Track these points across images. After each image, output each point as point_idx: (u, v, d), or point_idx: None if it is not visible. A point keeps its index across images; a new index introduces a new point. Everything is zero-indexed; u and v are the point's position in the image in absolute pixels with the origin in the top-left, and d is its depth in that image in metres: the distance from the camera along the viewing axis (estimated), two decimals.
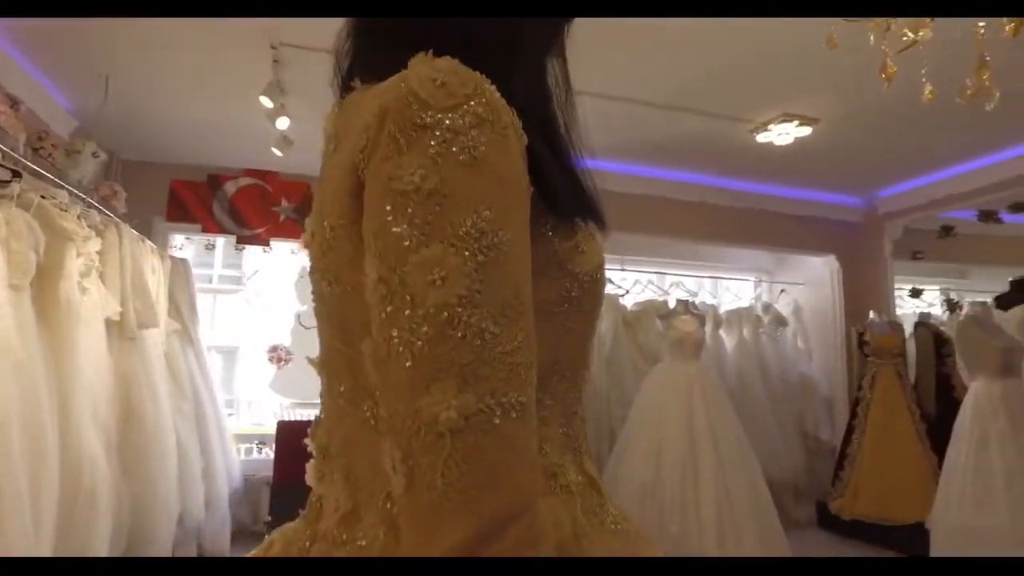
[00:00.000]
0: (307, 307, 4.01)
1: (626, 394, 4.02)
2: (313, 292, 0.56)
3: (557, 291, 0.52)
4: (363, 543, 0.49)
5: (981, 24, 1.70)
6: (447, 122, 0.42)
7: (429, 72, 0.44)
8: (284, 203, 4.04)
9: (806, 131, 3.49)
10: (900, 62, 1.79)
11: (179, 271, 3.39)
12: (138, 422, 2.51)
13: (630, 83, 3.08)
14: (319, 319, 0.56)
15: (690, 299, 4.30)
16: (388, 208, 0.42)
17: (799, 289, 5.00)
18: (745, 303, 4.94)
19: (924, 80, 1.72)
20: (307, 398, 3.87)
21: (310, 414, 3.74)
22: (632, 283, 4.63)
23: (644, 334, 4.37)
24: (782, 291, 5.07)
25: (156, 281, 3.03)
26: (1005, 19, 1.62)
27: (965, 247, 5.02)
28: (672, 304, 4.36)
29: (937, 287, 5.74)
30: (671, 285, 4.81)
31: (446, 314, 0.39)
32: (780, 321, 4.83)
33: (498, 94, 0.45)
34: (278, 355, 3.82)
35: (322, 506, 0.56)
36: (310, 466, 0.60)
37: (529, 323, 0.42)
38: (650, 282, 4.73)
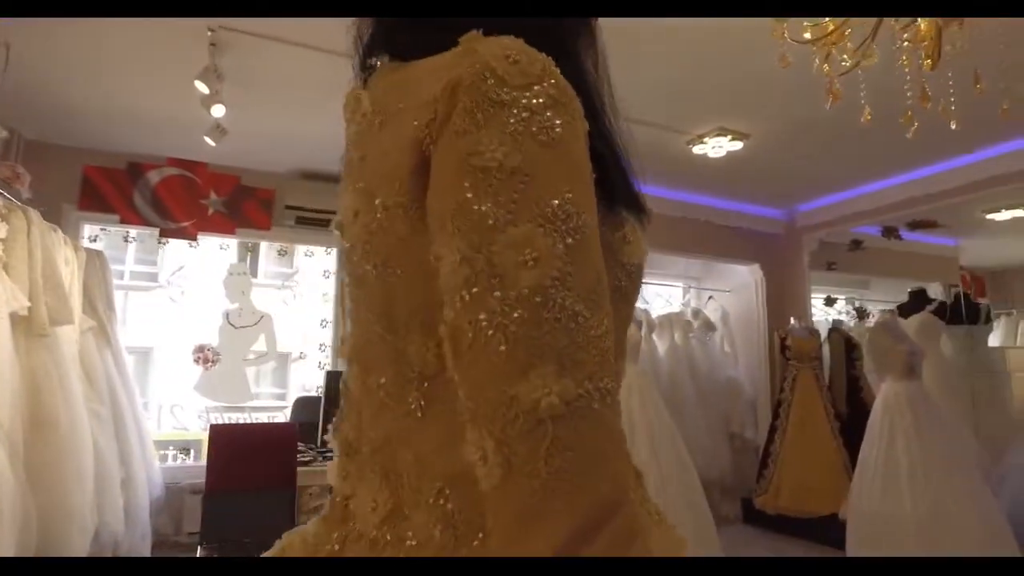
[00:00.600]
0: (236, 305, 3.81)
1: None
2: (349, 277, 0.52)
3: (610, 281, 0.52)
4: (413, 543, 0.46)
5: (904, 59, 1.84)
6: (523, 100, 0.41)
7: (500, 49, 0.43)
8: (213, 196, 3.82)
9: (738, 145, 3.67)
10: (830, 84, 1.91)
11: (95, 264, 3.13)
12: (49, 428, 2.30)
13: None
14: (356, 305, 0.52)
15: None
16: (467, 184, 0.40)
17: (726, 296, 5.25)
18: (676, 308, 5.13)
19: (863, 103, 1.84)
20: (236, 401, 3.67)
21: (240, 417, 3.55)
22: None
23: None
24: (710, 297, 5.30)
25: (69, 274, 2.79)
26: (925, 52, 1.75)
27: (870, 260, 5.43)
28: None
29: (844, 296, 6.18)
30: None
31: (540, 296, 0.38)
32: (709, 326, 5.04)
33: (563, 76, 0.45)
34: (205, 356, 3.60)
35: (349, 506, 0.53)
36: (332, 465, 0.57)
37: (610, 309, 0.42)
38: None
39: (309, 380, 5.10)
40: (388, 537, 0.48)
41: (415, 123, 0.44)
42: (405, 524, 0.48)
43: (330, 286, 4.08)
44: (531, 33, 0.51)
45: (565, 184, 0.40)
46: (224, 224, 3.79)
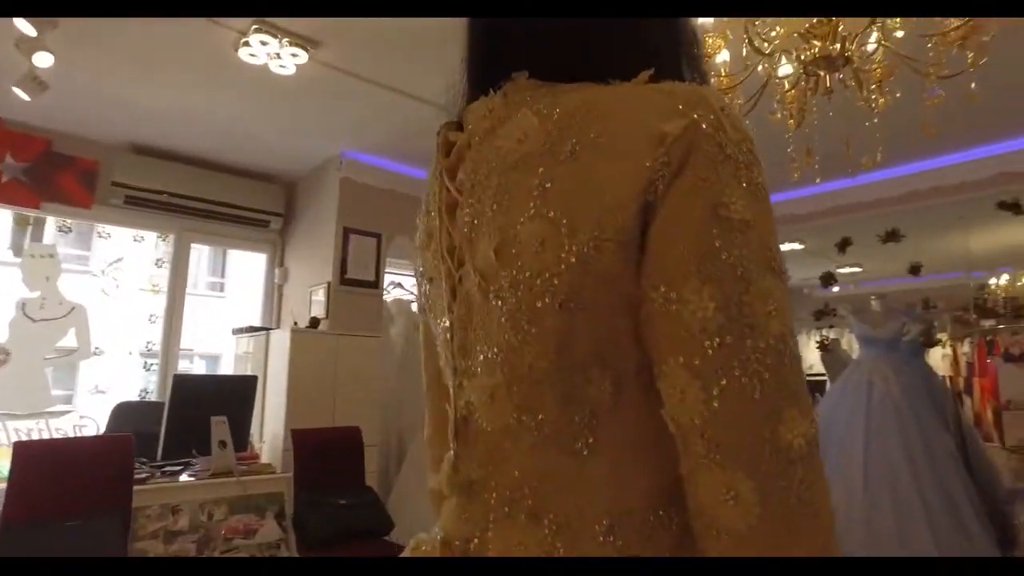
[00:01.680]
0: (37, 294, 3.20)
1: (417, 399, 4.03)
2: (507, 307, 0.48)
3: None
4: None
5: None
6: (740, 156, 0.43)
7: (718, 100, 0.45)
8: (9, 159, 3.16)
9: None
10: None
11: None
12: None
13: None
14: (520, 338, 0.48)
15: None
16: (715, 232, 0.41)
17: None
18: None
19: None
20: (33, 407, 3.06)
21: (33, 427, 2.97)
22: None
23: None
24: None
25: None
26: (790, 112, 2.00)
27: None
28: None
29: None
30: None
31: (782, 344, 0.41)
32: None
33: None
34: None
35: (470, 550, 0.50)
36: (448, 507, 0.53)
37: None
38: None
39: (116, 382, 4.44)
40: None
41: (646, 164, 0.43)
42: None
43: (163, 277, 3.60)
44: (679, 52, 0.54)
45: (775, 238, 0.44)
46: (24, 196, 3.16)
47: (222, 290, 9.32)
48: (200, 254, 7.92)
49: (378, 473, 3.34)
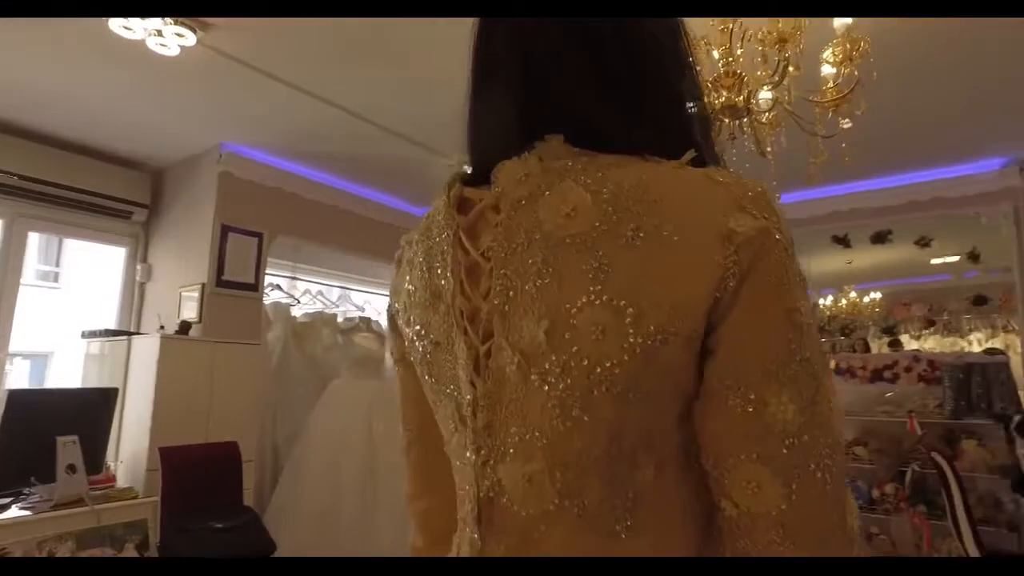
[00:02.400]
0: None
1: (293, 408, 3.82)
2: (555, 392, 0.47)
3: None
4: None
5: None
6: (795, 263, 0.46)
7: (774, 196, 0.47)
8: None
9: None
10: None
11: None
12: None
13: (366, 100, 3.04)
14: (569, 425, 0.47)
15: (358, 314, 4.35)
16: (791, 337, 0.44)
17: None
18: None
19: None
20: None
21: None
22: (302, 292, 4.43)
23: (313, 346, 4.23)
24: None
25: None
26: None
27: None
28: (341, 318, 4.36)
29: None
30: (339, 298, 4.78)
31: (840, 437, 0.46)
32: None
33: None
34: None
35: None
36: None
37: None
38: (320, 293, 4.61)
39: None
40: None
41: (717, 260, 0.44)
42: None
43: None
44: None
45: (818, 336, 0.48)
46: None
47: (56, 280, 8.18)
48: (29, 237, 6.87)
49: (254, 490, 3.11)
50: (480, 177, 0.55)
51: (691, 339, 0.45)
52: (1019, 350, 5.85)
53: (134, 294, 3.74)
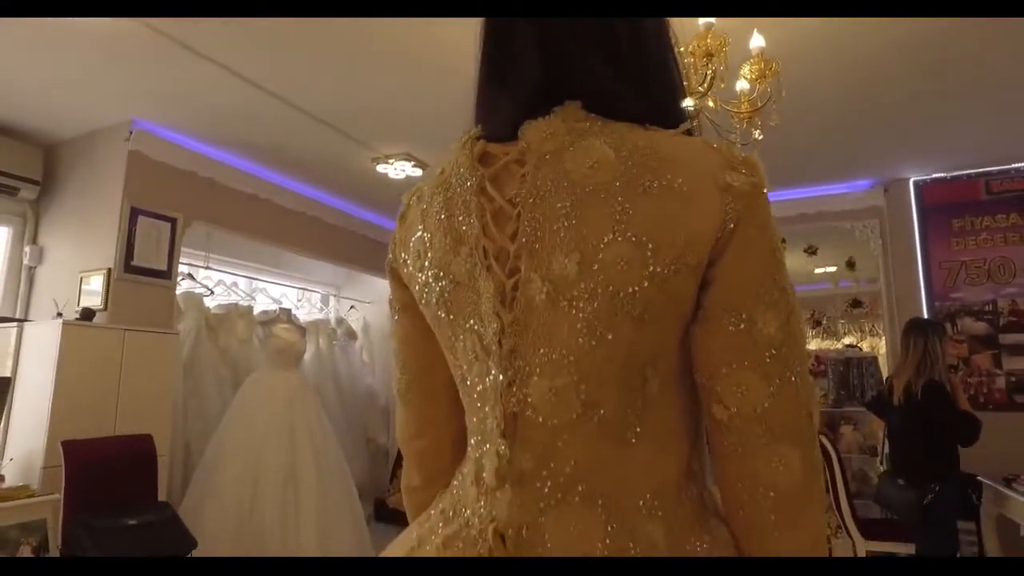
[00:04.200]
0: None
1: (205, 403, 3.64)
2: (583, 315, 0.54)
3: None
4: (636, 550, 0.53)
5: None
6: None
7: (756, 160, 0.58)
8: None
9: (418, 172, 3.98)
10: None
11: None
12: None
13: (294, 84, 2.96)
14: (594, 343, 0.54)
15: (278, 306, 4.21)
16: (774, 268, 0.55)
17: (367, 307, 5.48)
18: (320, 315, 5.12)
19: None
20: None
21: None
22: (216, 282, 4.22)
23: (226, 338, 4.05)
24: (351, 307, 5.45)
25: None
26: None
27: None
28: (257, 309, 4.21)
29: None
30: (255, 290, 4.59)
31: (805, 352, 0.56)
32: (351, 335, 5.19)
33: None
34: None
35: (523, 535, 0.55)
36: (496, 497, 0.56)
37: None
38: (235, 284, 4.42)
39: None
40: (605, 553, 0.53)
41: (718, 207, 0.54)
42: (622, 536, 0.54)
43: None
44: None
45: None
46: None
47: None
48: None
49: (167, 486, 2.94)
50: (497, 138, 0.62)
51: (696, 269, 0.54)
52: (882, 351, 6.63)
53: (20, 278, 3.41)
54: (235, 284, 4.42)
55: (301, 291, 5.06)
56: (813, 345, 4.71)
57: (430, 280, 0.63)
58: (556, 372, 0.55)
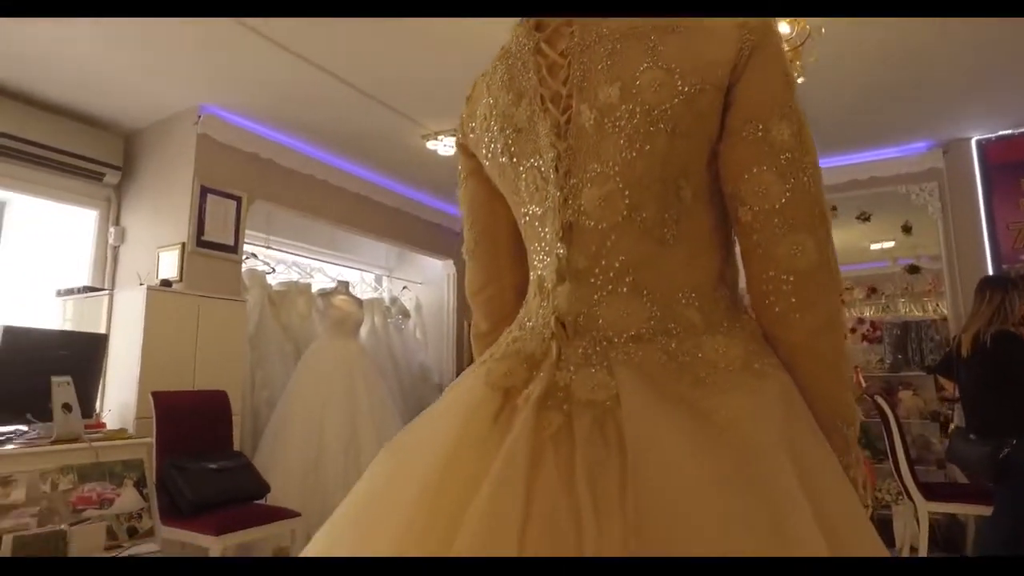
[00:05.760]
0: None
1: (270, 373, 3.86)
2: (625, 132, 0.64)
3: None
4: (677, 329, 0.64)
5: None
6: None
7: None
8: None
9: None
10: None
11: None
12: None
13: (346, 62, 3.11)
14: (634, 154, 0.64)
15: (339, 279, 4.41)
16: (786, 88, 0.65)
17: (419, 287, 5.66)
18: (375, 294, 5.31)
19: None
20: None
21: None
22: (276, 261, 4.45)
23: (288, 314, 4.27)
24: (404, 287, 5.63)
25: None
26: None
27: None
28: (316, 287, 4.41)
29: None
30: (313, 270, 4.81)
31: (816, 159, 0.65)
32: (404, 313, 5.37)
33: None
34: None
35: (580, 320, 0.65)
36: (558, 291, 0.67)
37: None
38: (295, 263, 4.64)
39: None
40: (652, 332, 0.63)
41: (735, 38, 0.63)
42: (666, 318, 0.64)
43: None
44: None
45: None
46: None
47: None
48: None
49: (239, 443, 3.15)
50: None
51: (719, 90, 0.64)
52: (944, 315, 6.34)
53: (106, 256, 3.70)
54: (295, 264, 4.65)
55: (356, 271, 5.26)
56: (868, 312, 4.60)
57: (495, 133, 0.75)
58: (604, 182, 0.66)
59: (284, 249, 4.55)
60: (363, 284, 5.32)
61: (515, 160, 0.72)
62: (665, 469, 0.52)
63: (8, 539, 1.92)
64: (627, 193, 0.65)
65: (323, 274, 4.84)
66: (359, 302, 4.08)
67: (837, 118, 3.63)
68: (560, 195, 0.67)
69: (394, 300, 5.37)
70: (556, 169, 0.68)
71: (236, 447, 3.05)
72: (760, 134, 0.63)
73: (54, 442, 2.18)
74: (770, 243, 0.63)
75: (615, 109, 0.65)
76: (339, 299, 3.91)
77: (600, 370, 0.61)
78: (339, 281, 4.18)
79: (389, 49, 2.99)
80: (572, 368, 0.63)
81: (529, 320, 0.71)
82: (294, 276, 4.54)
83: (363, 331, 4.83)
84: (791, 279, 0.62)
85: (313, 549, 0.64)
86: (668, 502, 0.51)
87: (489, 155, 0.77)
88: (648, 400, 0.57)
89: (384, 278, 5.67)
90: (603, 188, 0.65)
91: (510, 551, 0.50)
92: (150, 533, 2.27)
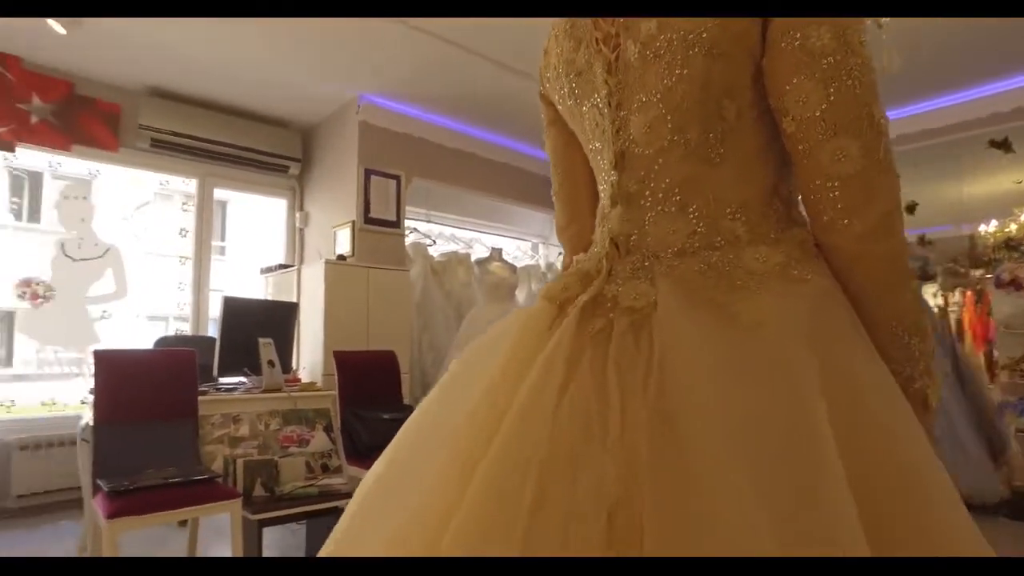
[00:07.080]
0: (74, 234, 3.28)
1: (435, 338, 4.19)
2: (664, 60, 0.65)
3: None
4: (721, 241, 0.64)
5: None
6: None
7: None
8: (36, 100, 3.21)
9: None
10: None
11: None
12: None
13: (477, 33, 3.21)
14: (675, 79, 0.65)
15: (493, 247, 4.63)
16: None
17: None
18: (531, 261, 5.48)
19: None
20: (70, 343, 3.17)
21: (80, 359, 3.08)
22: (436, 234, 4.78)
23: (450, 281, 4.58)
24: (560, 254, 5.72)
25: None
26: None
27: None
28: (474, 257, 4.67)
29: None
30: (472, 240, 5.09)
31: (869, 61, 0.61)
32: None
33: None
34: (33, 291, 3.05)
35: (632, 240, 0.68)
36: (612, 214, 0.70)
37: None
38: (453, 235, 4.95)
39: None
40: (696, 246, 0.64)
41: None
42: (710, 234, 0.65)
43: (189, 221, 3.69)
44: None
45: None
46: (55, 137, 3.21)
47: (223, 254, 9.34)
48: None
49: (410, 399, 3.50)
50: None
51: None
52: None
53: (295, 238, 4.26)
54: (453, 236, 4.96)
55: (512, 240, 5.46)
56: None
57: (563, 78, 0.78)
58: (648, 109, 0.68)
59: (443, 222, 4.88)
60: (519, 252, 5.52)
61: (579, 101, 0.76)
62: (686, 360, 0.55)
63: (240, 463, 2.36)
64: (670, 118, 0.66)
65: (480, 244, 5.11)
66: (513, 268, 4.25)
67: (971, 48, 3.01)
68: (612, 127, 0.70)
69: (550, 266, 5.49)
70: (609, 104, 0.70)
71: (406, 402, 3.39)
72: (798, 43, 0.60)
73: (263, 391, 2.61)
74: (814, 151, 0.61)
75: (655, 40, 0.66)
76: (494, 265, 4.11)
77: (644, 281, 0.64)
78: (493, 248, 4.38)
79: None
80: (620, 281, 0.66)
81: (595, 246, 0.75)
82: (454, 247, 4.85)
83: (520, 296, 5.03)
84: (836, 185, 0.60)
85: (387, 454, 0.71)
86: (685, 387, 0.54)
87: (560, 101, 0.80)
88: (682, 305, 0.60)
89: (540, 245, 5.82)
90: (648, 115, 0.67)
91: (544, 433, 0.55)
92: (339, 470, 2.63)
